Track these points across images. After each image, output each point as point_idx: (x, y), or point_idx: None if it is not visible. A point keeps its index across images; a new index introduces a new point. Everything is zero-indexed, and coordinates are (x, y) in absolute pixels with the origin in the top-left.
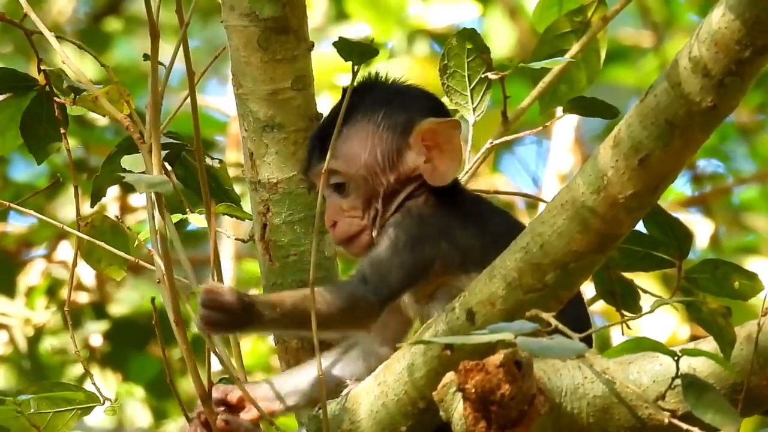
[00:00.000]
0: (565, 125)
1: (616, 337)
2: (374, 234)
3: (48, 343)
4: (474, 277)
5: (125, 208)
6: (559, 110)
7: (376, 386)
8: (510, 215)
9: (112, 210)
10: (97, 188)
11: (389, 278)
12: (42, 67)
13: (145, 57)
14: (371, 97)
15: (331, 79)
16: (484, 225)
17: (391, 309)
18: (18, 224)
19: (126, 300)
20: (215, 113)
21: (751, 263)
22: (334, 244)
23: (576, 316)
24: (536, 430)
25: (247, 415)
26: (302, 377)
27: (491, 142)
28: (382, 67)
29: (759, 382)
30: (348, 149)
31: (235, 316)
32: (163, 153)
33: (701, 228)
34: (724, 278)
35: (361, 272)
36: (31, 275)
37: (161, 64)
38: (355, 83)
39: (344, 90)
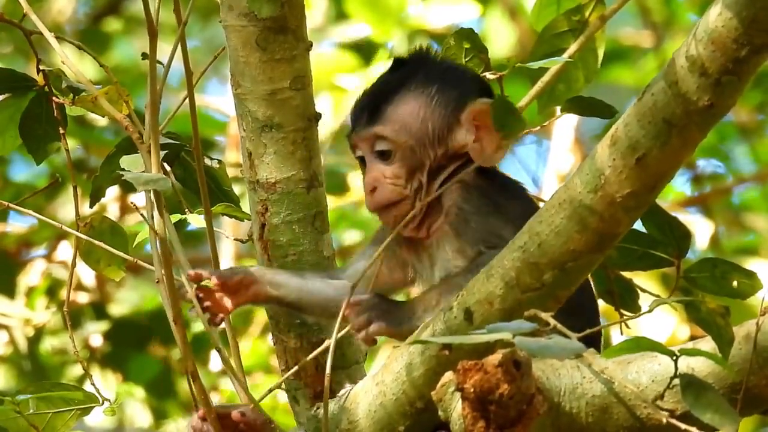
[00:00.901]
0: (565, 125)
1: (615, 336)
2: (416, 205)
3: (48, 343)
4: None
5: (125, 209)
6: (557, 110)
7: (374, 386)
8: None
9: (112, 210)
10: (96, 188)
11: (505, 235)
12: (41, 67)
13: (144, 56)
14: (424, 71)
15: (330, 79)
16: (527, 205)
17: (392, 266)
18: (18, 224)
19: (126, 300)
20: (215, 113)
21: (750, 263)
22: (369, 209)
23: (587, 318)
24: (535, 430)
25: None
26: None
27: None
28: (383, 67)
29: (758, 382)
30: (400, 117)
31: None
32: (162, 153)
33: (701, 228)
34: (723, 277)
35: (477, 252)
36: (31, 275)
37: (160, 63)
38: (407, 56)
39: (396, 59)
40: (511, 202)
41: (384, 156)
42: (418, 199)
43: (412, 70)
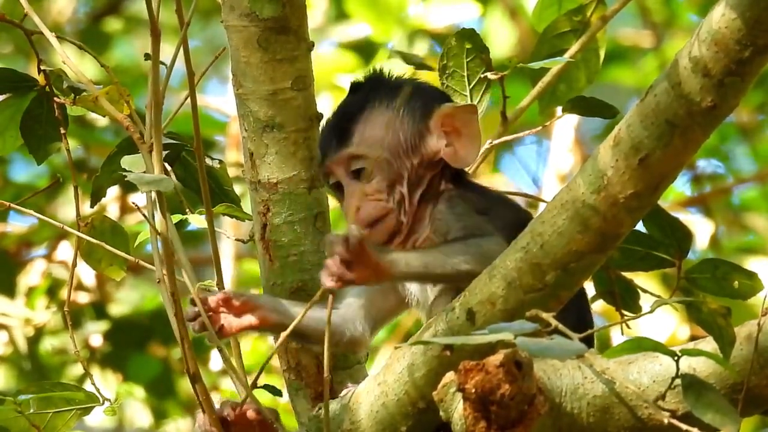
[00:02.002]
0: (565, 125)
1: (616, 337)
2: (402, 219)
3: (48, 343)
4: None
5: (125, 208)
6: (558, 110)
7: (376, 386)
8: (517, 204)
9: (113, 210)
10: (97, 188)
11: (485, 229)
12: (42, 67)
13: (146, 56)
14: (384, 88)
15: (331, 79)
16: (510, 209)
17: (385, 289)
18: (18, 224)
19: (126, 300)
20: (215, 113)
21: (751, 263)
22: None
23: (577, 315)
24: (536, 430)
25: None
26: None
27: (491, 142)
28: (382, 66)
29: (759, 382)
30: (370, 133)
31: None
32: (164, 153)
33: (701, 228)
34: (724, 278)
35: (465, 236)
36: (31, 275)
37: (163, 64)
38: (362, 78)
39: (353, 83)
40: (495, 207)
41: (361, 175)
42: (402, 212)
43: (371, 90)
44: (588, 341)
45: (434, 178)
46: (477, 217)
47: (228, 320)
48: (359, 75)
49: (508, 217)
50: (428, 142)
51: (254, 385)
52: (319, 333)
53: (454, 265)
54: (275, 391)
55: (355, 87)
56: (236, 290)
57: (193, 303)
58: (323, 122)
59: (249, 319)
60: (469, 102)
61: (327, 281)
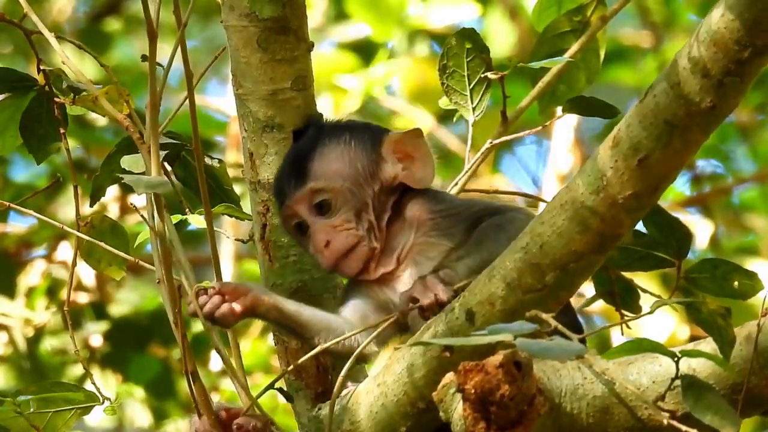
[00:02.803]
0: (565, 125)
1: (616, 337)
2: (374, 245)
3: (48, 344)
4: None
5: (125, 208)
6: (558, 110)
7: (375, 387)
8: None
9: (113, 210)
10: (96, 188)
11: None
12: (42, 67)
13: (143, 58)
14: (329, 128)
15: (331, 80)
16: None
17: (375, 307)
18: (18, 224)
19: (126, 300)
20: (215, 113)
21: (751, 263)
22: (327, 266)
23: (563, 321)
24: (536, 431)
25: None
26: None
27: (491, 142)
28: (383, 67)
29: (758, 383)
30: (327, 167)
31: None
32: (163, 153)
33: (701, 228)
34: (724, 278)
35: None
36: (31, 275)
37: (160, 65)
38: (302, 125)
39: (294, 132)
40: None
41: (325, 209)
42: (372, 238)
43: (317, 132)
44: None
45: (396, 202)
46: (463, 205)
47: (229, 307)
48: (359, 75)
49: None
50: (384, 169)
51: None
52: (316, 328)
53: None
54: (288, 398)
55: (297, 134)
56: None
57: (197, 295)
58: (276, 174)
59: (243, 302)
60: (470, 103)
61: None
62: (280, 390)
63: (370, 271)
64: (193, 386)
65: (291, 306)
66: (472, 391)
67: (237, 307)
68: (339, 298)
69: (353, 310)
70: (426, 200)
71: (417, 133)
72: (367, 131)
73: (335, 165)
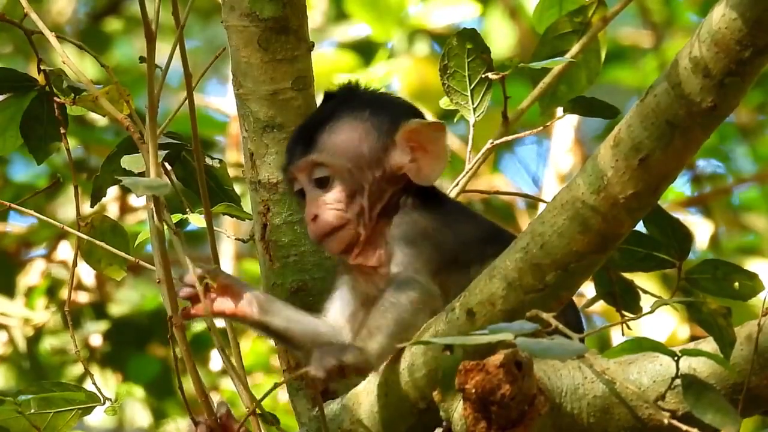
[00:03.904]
0: (565, 125)
1: (616, 337)
2: (360, 230)
3: (48, 343)
4: (469, 275)
5: (126, 208)
6: (559, 110)
7: (376, 386)
8: (484, 218)
9: (113, 210)
10: (97, 188)
11: (422, 272)
12: (42, 67)
13: (141, 60)
14: (355, 99)
15: (331, 79)
16: (470, 225)
17: (363, 301)
18: (18, 224)
19: (126, 300)
20: (215, 113)
21: (751, 264)
22: (313, 239)
23: (565, 320)
24: (536, 431)
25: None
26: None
27: (492, 142)
28: (383, 67)
29: (759, 383)
30: (335, 142)
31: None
32: (164, 153)
33: (701, 228)
34: (724, 278)
35: (396, 275)
36: (31, 275)
37: (158, 67)
38: (335, 88)
39: (326, 93)
40: (455, 224)
41: (323, 183)
42: (360, 224)
43: (342, 101)
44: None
45: (396, 193)
46: (417, 246)
47: (201, 308)
48: (359, 75)
49: (469, 233)
50: (393, 156)
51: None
52: (304, 339)
53: (411, 323)
54: (273, 421)
55: (327, 96)
56: (225, 273)
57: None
58: (294, 130)
59: (226, 304)
60: (471, 103)
61: (317, 372)
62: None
63: (354, 256)
64: (187, 390)
65: (279, 323)
66: (473, 390)
67: (217, 306)
68: (332, 282)
69: (341, 308)
70: (400, 220)
71: (439, 127)
72: (389, 112)
73: (343, 142)
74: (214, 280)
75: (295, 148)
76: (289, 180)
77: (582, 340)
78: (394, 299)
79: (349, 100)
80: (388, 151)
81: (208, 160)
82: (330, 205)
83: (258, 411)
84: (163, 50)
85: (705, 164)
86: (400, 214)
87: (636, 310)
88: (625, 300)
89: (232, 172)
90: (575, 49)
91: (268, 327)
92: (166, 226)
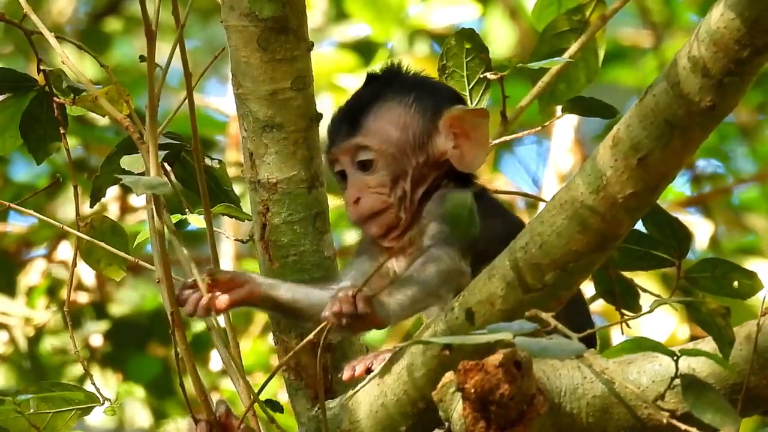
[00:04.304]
0: (565, 125)
1: (616, 336)
2: (401, 215)
3: (48, 343)
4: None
5: (125, 208)
6: (558, 110)
7: (375, 386)
8: (515, 216)
9: (113, 210)
10: (96, 188)
11: (454, 248)
12: (42, 67)
13: (141, 59)
14: (399, 82)
15: (331, 79)
16: (502, 218)
17: (382, 273)
18: (18, 224)
19: (126, 300)
20: (215, 113)
21: (751, 263)
22: (353, 221)
23: (576, 315)
24: (536, 430)
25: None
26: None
27: (491, 142)
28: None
29: (758, 382)
30: (380, 126)
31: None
32: (163, 153)
33: (701, 228)
34: (724, 277)
35: (428, 248)
36: (31, 275)
37: (158, 66)
38: (379, 70)
39: (369, 74)
40: (486, 217)
41: (366, 166)
42: (402, 208)
43: (386, 83)
44: (589, 340)
45: (437, 179)
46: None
47: (219, 297)
48: (359, 75)
49: (496, 229)
50: (436, 142)
51: (253, 403)
52: (312, 307)
53: (433, 293)
54: (277, 408)
55: (370, 78)
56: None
57: (183, 288)
58: (335, 111)
59: (238, 292)
60: (470, 103)
61: (333, 327)
62: (269, 401)
63: (389, 239)
64: (188, 389)
65: (286, 294)
66: (472, 390)
67: (223, 299)
68: (353, 255)
69: (355, 277)
70: (440, 194)
71: (482, 113)
72: (433, 97)
73: (388, 126)
74: (215, 277)
75: (338, 129)
76: (329, 161)
77: (590, 339)
78: (423, 267)
79: (393, 83)
80: (431, 137)
81: (207, 161)
82: (373, 188)
83: (259, 411)
84: (162, 50)
85: (705, 164)
86: (439, 192)
87: (635, 309)
88: (625, 299)
89: (231, 172)
90: (574, 47)
91: (277, 301)
92: (165, 226)
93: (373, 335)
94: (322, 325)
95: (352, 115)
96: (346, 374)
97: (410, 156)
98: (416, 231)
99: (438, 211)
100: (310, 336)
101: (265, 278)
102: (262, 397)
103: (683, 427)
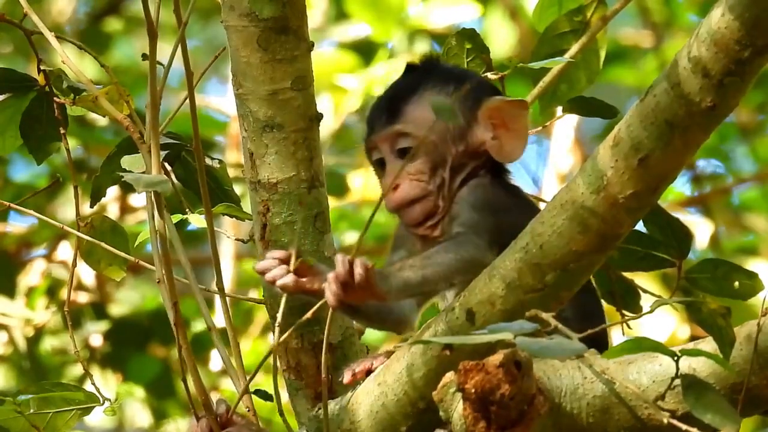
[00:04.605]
0: (565, 125)
1: (617, 337)
2: (440, 203)
3: (48, 343)
4: None
5: (125, 208)
6: (559, 110)
7: (376, 386)
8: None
9: (113, 210)
10: (96, 188)
11: (481, 237)
12: (42, 67)
13: (144, 57)
14: (438, 73)
15: (331, 79)
16: (532, 214)
17: None
18: (18, 224)
19: (126, 300)
20: (215, 113)
21: (751, 264)
22: (391, 208)
23: (589, 309)
24: (536, 430)
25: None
26: None
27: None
28: (383, 67)
29: (758, 383)
30: (421, 114)
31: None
32: (163, 153)
33: (701, 228)
34: (724, 278)
35: (456, 234)
36: (31, 275)
37: (160, 64)
38: (417, 60)
39: (408, 64)
40: (514, 211)
41: (406, 154)
42: (440, 196)
43: (425, 73)
44: (601, 340)
45: (475, 169)
46: (484, 214)
47: (299, 279)
48: (359, 75)
49: (520, 225)
50: (475, 132)
51: (246, 390)
52: (368, 311)
53: (447, 278)
54: (267, 397)
55: (409, 68)
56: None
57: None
58: (374, 100)
59: (312, 282)
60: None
61: (329, 297)
62: (258, 391)
63: (425, 227)
64: (190, 388)
65: None
66: (473, 390)
67: (299, 284)
68: (390, 253)
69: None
70: (475, 183)
71: (522, 105)
72: (473, 87)
73: (428, 114)
74: (304, 259)
75: (378, 117)
76: (367, 149)
77: (603, 339)
78: (444, 250)
79: (432, 73)
80: (471, 127)
81: (207, 161)
82: (412, 176)
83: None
84: (162, 50)
85: (705, 164)
86: (475, 180)
87: (636, 309)
88: (625, 299)
89: (232, 172)
90: (575, 48)
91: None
92: (166, 225)
93: (373, 335)
94: (322, 301)
95: (392, 104)
96: (346, 377)
97: (450, 144)
98: (447, 218)
99: (471, 198)
100: (308, 314)
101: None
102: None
103: (684, 427)
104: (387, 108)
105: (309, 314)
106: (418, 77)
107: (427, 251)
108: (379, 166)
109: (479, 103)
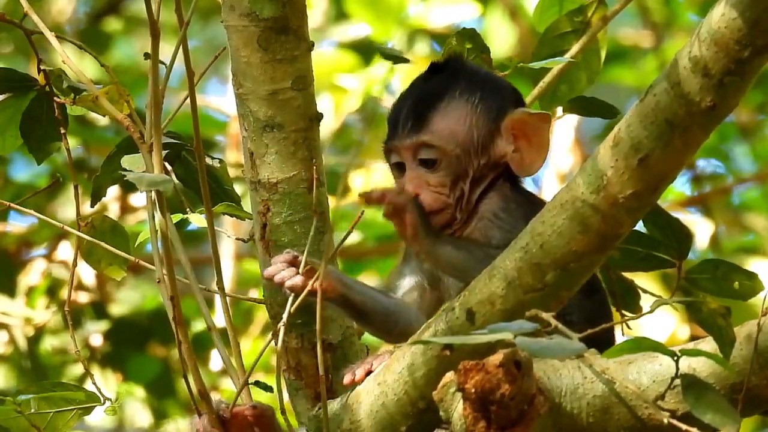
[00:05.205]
0: (565, 125)
1: (617, 337)
2: (457, 215)
3: (48, 343)
4: None
5: (126, 208)
6: (559, 110)
7: (376, 386)
8: None
9: (113, 210)
10: (97, 188)
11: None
12: (42, 67)
13: (146, 56)
14: (465, 78)
15: (331, 79)
16: None
17: (431, 282)
18: (18, 224)
19: (126, 300)
20: (215, 113)
21: (751, 264)
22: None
23: (596, 313)
24: (536, 430)
25: None
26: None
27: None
28: (383, 67)
29: (758, 383)
30: (447, 126)
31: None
32: (164, 153)
33: (701, 228)
34: (724, 278)
35: (497, 246)
36: (31, 275)
37: (162, 63)
38: (443, 59)
39: (433, 64)
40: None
41: (428, 164)
42: (458, 209)
43: (452, 77)
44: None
45: (495, 179)
46: (515, 227)
47: (300, 279)
48: (359, 75)
49: None
50: (497, 144)
51: (245, 383)
52: (375, 316)
53: (474, 274)
54: (267, 388)
55: (434, 68)
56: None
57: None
58: (397, 99)
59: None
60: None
61: (373, 195)
62: (258, 383)
63: None
64: (191, 386)
65: (358, 296)
66: (472, 390)
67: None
68: (399, 262)
69: (410, 288)
70: (505, 199)
71: (545, 118)
72: (498, 98)
73: (454, 126)
74: (311, 261)
75: (403, 123)
76: (387, 150)
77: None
78: (479, 249)
79: (459, 77)
80: (493, 139)
81: (208, 160)
82: (434, 187)
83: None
84: (162, 50)
85: (705, 164)
86: (495, 191)
87: (636, 309)
88: (625, 300)
89: (232, 172)
90: (575, 48)
91: (349, 300)
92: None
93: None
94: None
95: (418, 110)
96: (346, 379)
97: (473, 157)
98: (469, 231)
99: (493, 210)
100: (298, 301)
101: (344, 275)
102: (268, 396)
103: (684, 427)
104: (412, 115)
105: (299, 301)
106: (445, 81)
107: (471, 243)
108: (397, 168)
109: (503, 114)
